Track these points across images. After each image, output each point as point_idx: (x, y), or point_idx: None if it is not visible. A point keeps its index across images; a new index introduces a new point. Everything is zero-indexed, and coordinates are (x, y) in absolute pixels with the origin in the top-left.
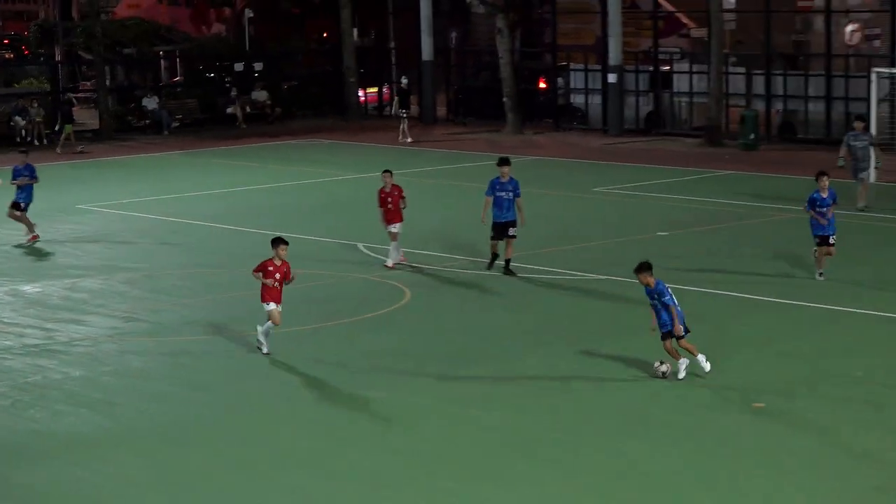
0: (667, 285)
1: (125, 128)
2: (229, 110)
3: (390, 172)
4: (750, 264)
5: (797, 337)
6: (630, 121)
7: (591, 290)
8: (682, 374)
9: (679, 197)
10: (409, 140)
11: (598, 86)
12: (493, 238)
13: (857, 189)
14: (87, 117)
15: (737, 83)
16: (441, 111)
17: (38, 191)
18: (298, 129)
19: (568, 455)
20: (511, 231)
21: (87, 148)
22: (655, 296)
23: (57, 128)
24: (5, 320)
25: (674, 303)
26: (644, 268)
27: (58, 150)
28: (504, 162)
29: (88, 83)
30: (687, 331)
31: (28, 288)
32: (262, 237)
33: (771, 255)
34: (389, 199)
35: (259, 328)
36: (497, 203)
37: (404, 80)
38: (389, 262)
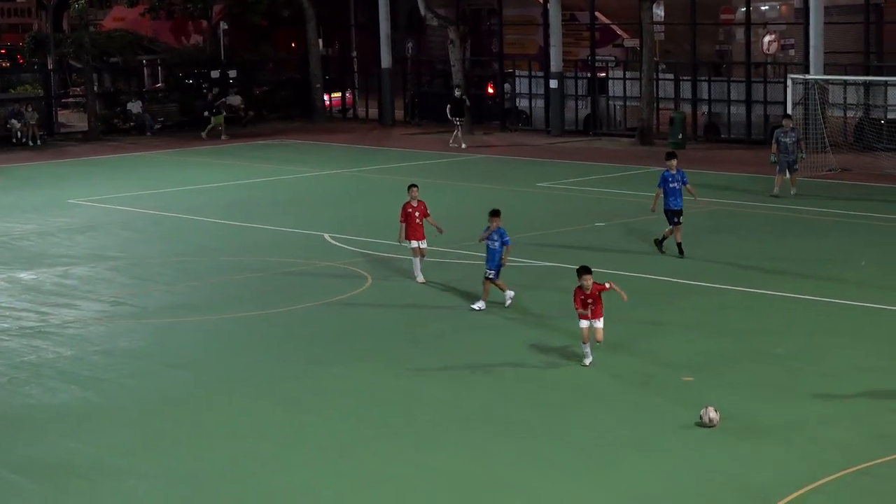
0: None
1: (111, 130)
2: (206, 114)
3: (417, 186)
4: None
5: (725, 317)
6: (570, 122)
7: (535, 276)
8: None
9: (615, 191)
10: (464, 146)
11: (541, 91)
12: (675, 223)
13: (787, 179)
14: (76, 120)
15: (666, 88)
16: (399, 114)
17: (34, 187)
18: (269, 130)
19: (514, 426)
20: (676, 219)
21: (227, 137)
22: (496, 237)
23: (211, 120)
24: (3, 305)
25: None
26: (494, 213)
27: (203, 135)
28: (672, 156)
29: (78, 89)
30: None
31: (24, 275)
32: (237, 229)
33: (697, 243)
34: (417, 214)
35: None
36: (670, 193)
37: (458, 91)
38: (422, 278)
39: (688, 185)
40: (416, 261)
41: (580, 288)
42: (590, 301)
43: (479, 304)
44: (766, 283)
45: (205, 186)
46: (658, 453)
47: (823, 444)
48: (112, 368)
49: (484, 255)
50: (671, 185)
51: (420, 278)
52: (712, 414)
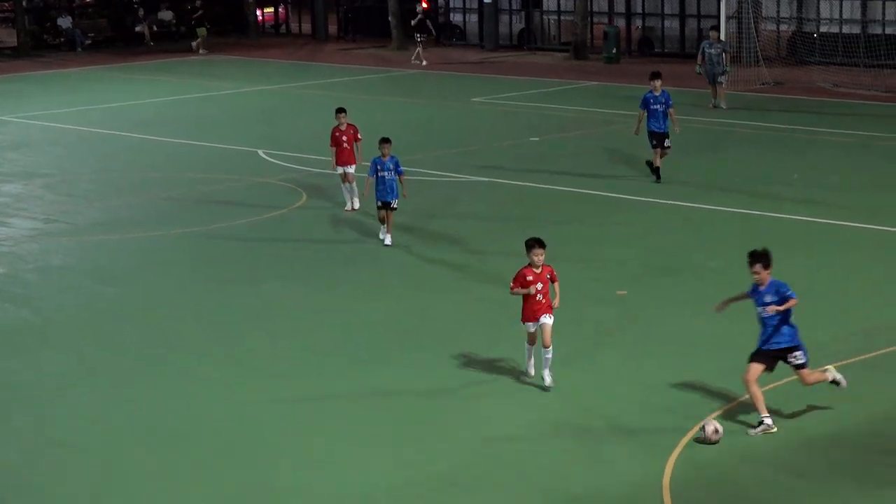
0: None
1: (41, 45)
2: (138, 29)
3: (345, 111)
4: (612, 166)
5: (659, 232)
6: (504, 37)
7: (468, 190)
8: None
9: (549, 106)
10: (424, 63)
11: (475, 5)
12: (654, 147)
13: (715, 91)
14: (4, 36)
15: (600, 2)
16: (332, 29)
17: None
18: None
19: (450, 342)
20: (666, 142)
21: (207, 54)
22: (392, 167)
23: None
24: None
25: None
26: (385, 140)
27: (193, 46)
28: (656, 76)
29: (6, 4)
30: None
31: None
32: (169, 145)
33: (629, 158)
34: (344, 139)
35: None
36: (653, 115)
37: (419, 8)
38: (350, 206)
39: (671, 111)
40: (346, 187)
41: (529, 268)
42: (537, 288)
43: (387, 239)
44: (700, 198)
45: (137, 103)
46: (594, 368)
47: None
48: (46, 286)
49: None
50: (653, 107)
51: (351, 205)
52: (715, 436)
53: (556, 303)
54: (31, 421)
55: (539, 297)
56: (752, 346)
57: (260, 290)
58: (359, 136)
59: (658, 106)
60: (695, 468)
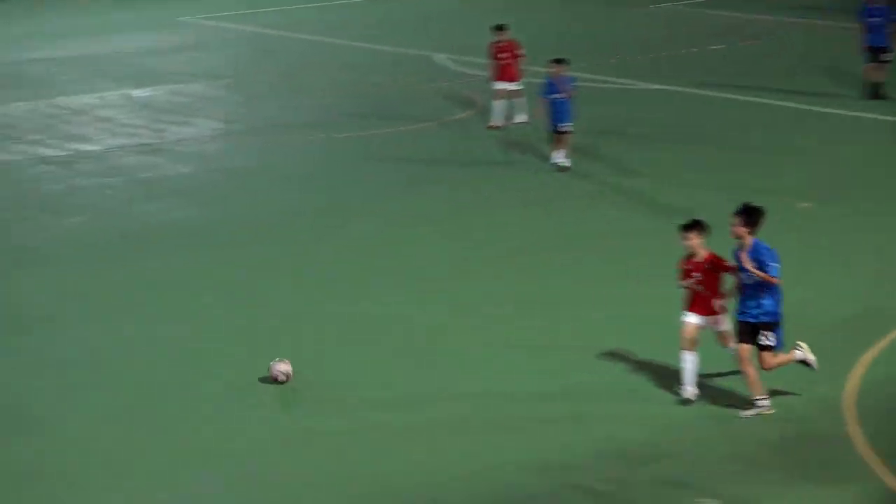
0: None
1: None
2: None
3: (503, 28)
4: (804, 78)
5: (852, 147)
6: None
7: (645, 102)
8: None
9: (734, 14)
10: None
11: None
12: (869, 62)
13: None
14: None
15: None
16: None
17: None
18: None
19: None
20: (883, 56)
21: None
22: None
23: None
24: (122, 121)
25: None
26: (559, 61)
27: None
28: None
29: None
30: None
31: (137, 92)
32: (341, 48)
33: (825, 70)
34: (504, 55)
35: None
36: (870, 29)
37: None
38: (496, 122)
39: (893, 24)
40: (499, 104)
41: (690, 259)
42: (695, 277)
43: (564, 161)
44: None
45: (308, 6)
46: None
47: None
48: (222, 186)
49: None
50: (871, 20)
51: (500, 121)
52: (282, 367)
53: (723, 296)
54: (180, 320)
55: (700, 288)
56: None
57: (416, 197)
58: (518, 53)
59: (875, 19)
60: (877, 385)
